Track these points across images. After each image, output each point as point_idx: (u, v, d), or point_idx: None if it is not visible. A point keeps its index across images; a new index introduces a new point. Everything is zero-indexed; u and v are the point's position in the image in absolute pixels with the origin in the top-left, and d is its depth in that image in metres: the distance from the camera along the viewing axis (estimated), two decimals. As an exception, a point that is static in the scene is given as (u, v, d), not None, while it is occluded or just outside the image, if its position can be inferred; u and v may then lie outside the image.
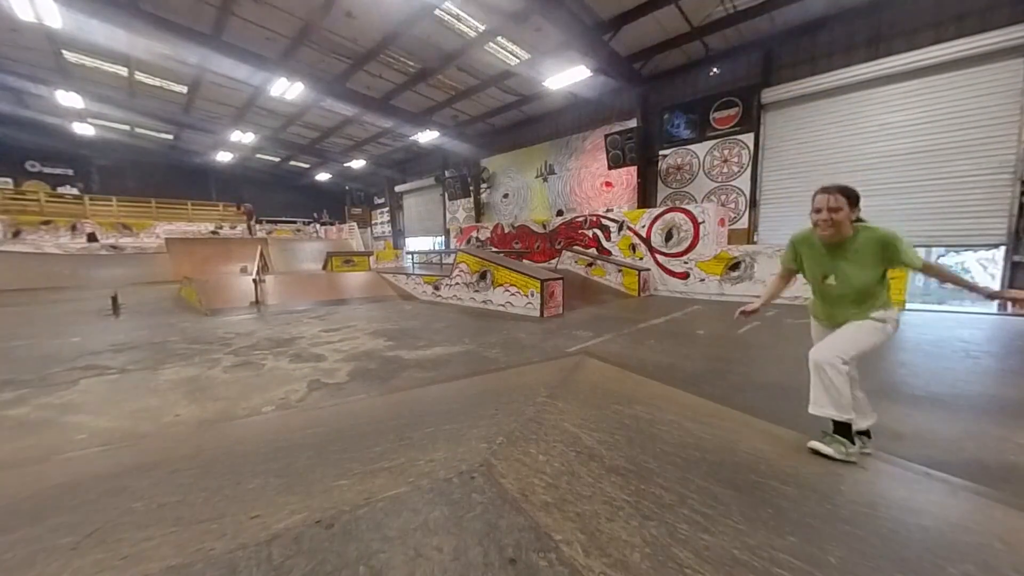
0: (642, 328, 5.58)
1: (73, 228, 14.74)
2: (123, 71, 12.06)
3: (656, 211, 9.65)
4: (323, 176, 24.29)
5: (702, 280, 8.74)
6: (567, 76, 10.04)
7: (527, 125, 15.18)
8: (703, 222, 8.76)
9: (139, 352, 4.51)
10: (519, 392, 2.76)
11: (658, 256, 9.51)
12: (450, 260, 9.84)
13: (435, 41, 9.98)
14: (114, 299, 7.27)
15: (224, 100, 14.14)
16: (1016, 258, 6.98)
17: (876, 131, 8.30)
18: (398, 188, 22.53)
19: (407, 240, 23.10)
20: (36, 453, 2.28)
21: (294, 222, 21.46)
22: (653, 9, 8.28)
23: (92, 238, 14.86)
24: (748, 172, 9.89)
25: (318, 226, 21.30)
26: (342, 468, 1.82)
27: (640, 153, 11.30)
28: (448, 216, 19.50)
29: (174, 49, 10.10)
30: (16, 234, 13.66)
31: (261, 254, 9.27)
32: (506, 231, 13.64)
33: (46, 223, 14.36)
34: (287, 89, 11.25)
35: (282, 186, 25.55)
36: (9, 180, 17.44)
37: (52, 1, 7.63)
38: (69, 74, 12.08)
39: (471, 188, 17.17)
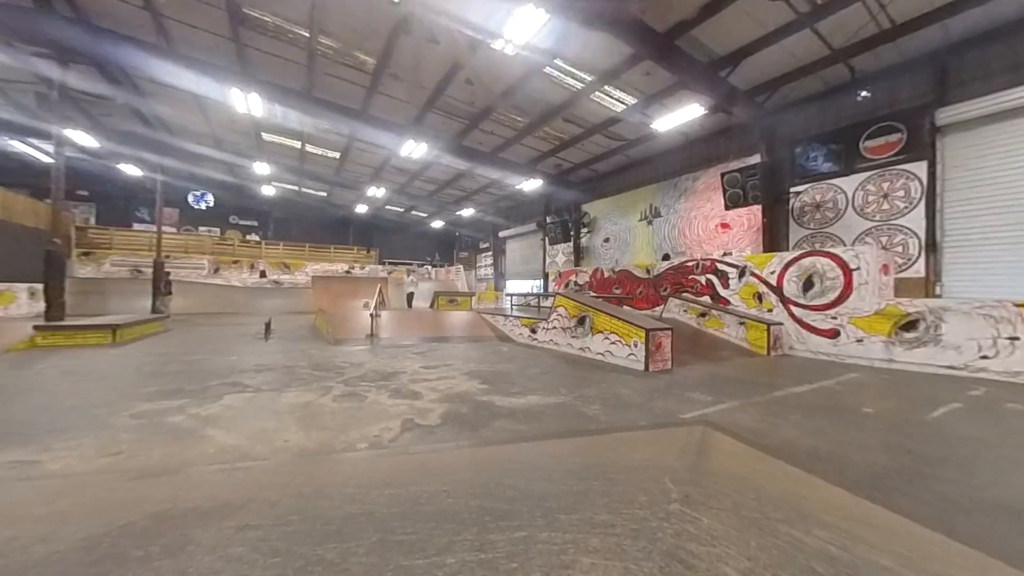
0: (779, 397, 4.52)
1: (252, 266, 18.54)
2: (297, 144, 15.26)
3: (789, 255, 8.25)
4: (437, 223, 26.96)
5: (859, 341, 6.99)
6: (678, 116, 9.60)
7: (631, 168, 14.86)
8: (857, 269, 7.14)
9: (273, 374, 5.11)
10: (636, 481, 2.23)
11: (793, 308, 7.98)
12: (548, 303, 9.66)
13: (543, 96, 10.54)
14: (267, 325, 8.65)
15: (365, 162, 16.85)
16: None
17: None
18: (501, 233, 23.75)
19: (507, 283, 23.88)
20: (174, 463, 2.54)
21: (410, 263, 23.98)
22: (783, 37, 7.54)
23: (263, 274, 18.46)
24: (921, 208, 7.96)
25: (429, 268, 23.38)
26: None
27: (766, 191, 10.02)
28: (548, 260, 19.70)
29: (333, 124, 12.44)
30: (216, 270, 17.66)
31: (380, 291, 10.30)
32: (606, 276, 13.09)
33: (235, 262, 18.34)
34: (413, 149, 12.89)
35: (404, 232, 29.06)
36: (217, 230, 22.98)
37: (258, 97, 10.07)
38: (263, 149, 15.72)
39: (571, 233, 17.19)
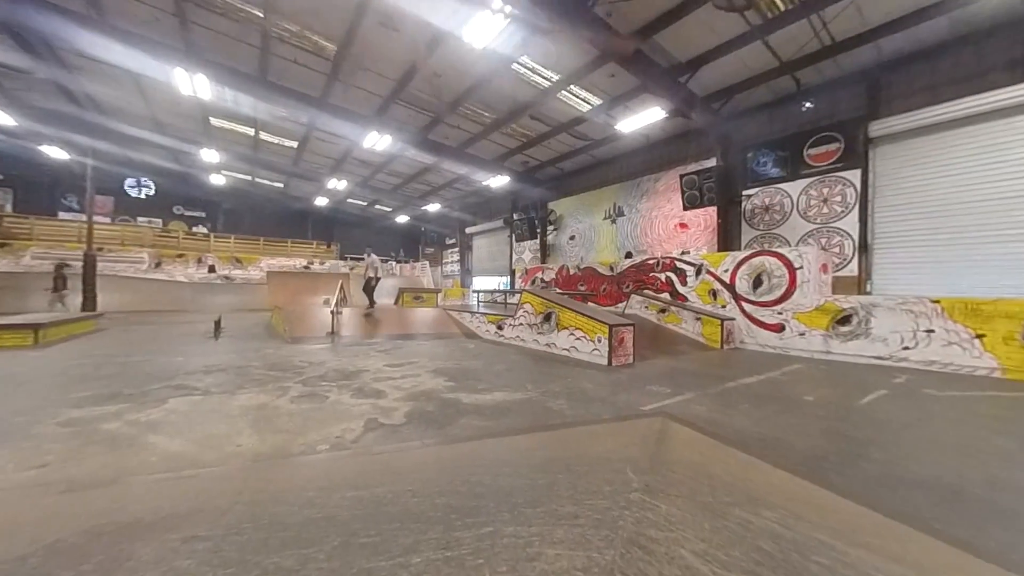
0: (731, 388, 4.80)
1: (199, 261, 17.31)
2: (250, 131, 14.37)
3: (741, 254, 8.76)
4: (402, 218, 26.34)
5: (802, 334, 7.55)
6: (640, 119, 9.90)
7: (596, 168, 15.19)
8: (800, 268, 7.70)
9: (224, 375, 4.81)
10: (600, 472, 2.29)
11: (744, 304, 8.49)
12: (514, 300, 9.71)
13: (510, 93, 10.53)
14: (217, 323, 8.12)
15: (326, 153, 16.15)
16: None
17: (1020, 164, 6.89)
18: (468, 230, 23.57)
19: (474, 279, 23.76)
20: (110, 473, 2.33)
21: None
22: (738, 47, 7.96)
23: (212, 269, 17.28)
24: (855, 213, 8.68)
25: (394, 263, 22.83)
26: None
27: (721, 193, 10.57)
28: (514, 257, 19.78)
29: (290, 111, 11.82)
30: (158, 264, 16.34)
31: (341, 288, 9.94)
32: (571, 273, 13.34)
33: (180, 256, 17.06)
34: (377, 141, 12.50)
35: (367, 227, 28.16)
36: (159, 221, 21.25)
37: (206, 78, 9.38)
38: (212, 135, 14.68)
39: (538, 230, 17.35)
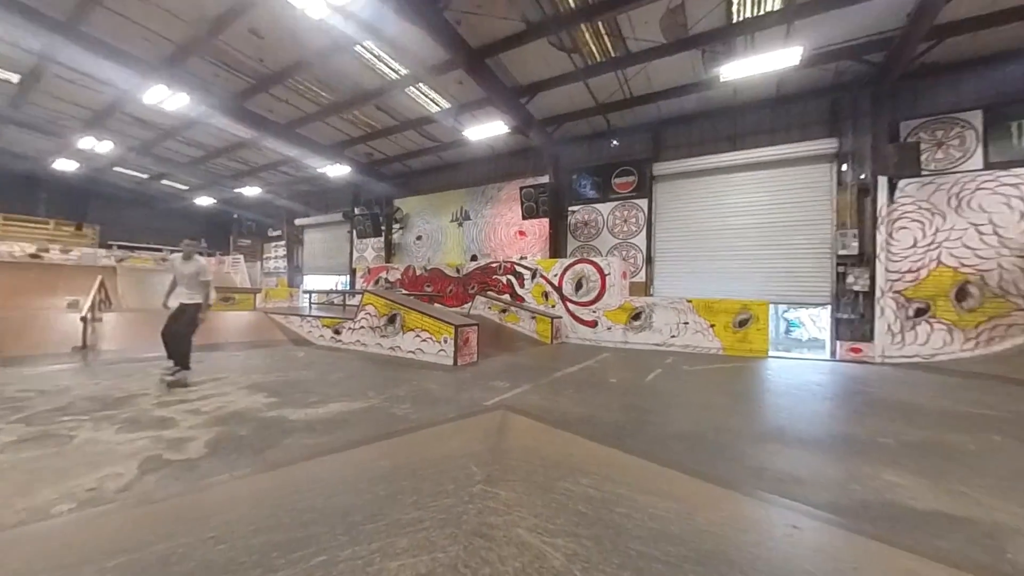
0: (558, 377, 5.52)
1: None
2: (-82, 43, 9.31)
3: (567, 261, 10.17)
4: (205, 200, 21.22)
5: (609, 328, 9.24)
6: (486, 129, 10.47)
7: (445, 170, 15.34)
8: (609, 274, 9.43)
9: None
10: (445, 471, 2.31)
11: (569, 304, 9.89)
12: (355, 301, 8.97)
13: (354, 77, 9.70)
14: None
15: (74, 99, 11.73)
16: (838, 315, 8.72)
17: (736, 207, 10.06)
18: (299, 221, 20.63)
19: (305, 278, 20.90)
20: None
21: (160, 250, 17.97)
22: (567, 83, 9.21)
23: None
24: (644, 232, 11.10)
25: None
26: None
27: (552, 207, 12.05)
28: (356, 255, 18.25)
29: (8, 29, 8.17)
30: None
31: (101, 286, 7.36)
32: (418, 273, 13.13)
33: None
34: (167, 99, 9.75)
35: (149, 208, 21.65)
36: None
37: None
38: None
39: (383, 228, 16.44)
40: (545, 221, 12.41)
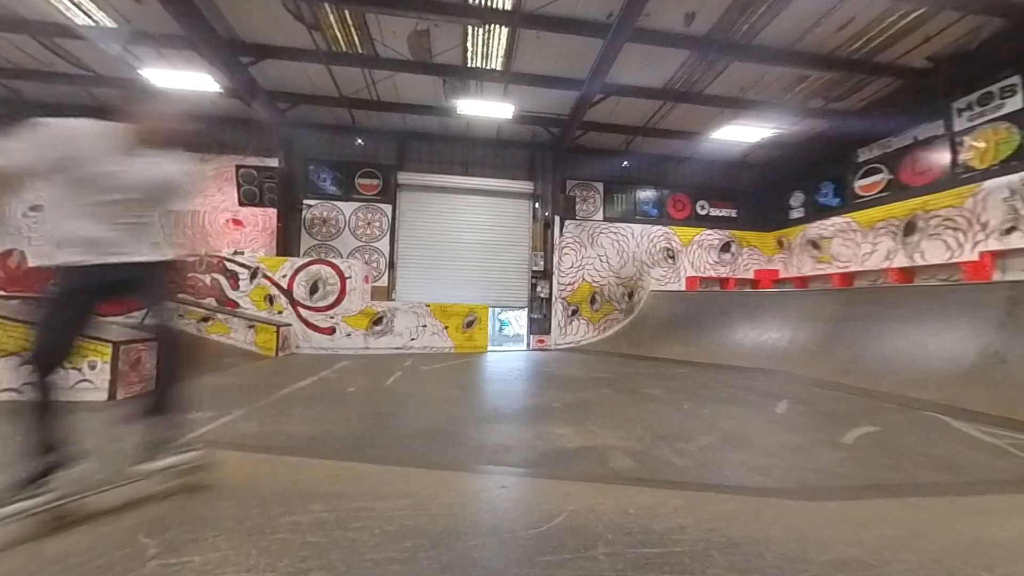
0: (285, 395, 4.77)
1: None
2: None
3: (300, 261, 8.99)
4: None
5: (349, 335, 8.76)
6: (182, 79, 7.90)
7: (103, 115, 10.49)
8: (350, 277, 8.95)
9: None
10: (92, 563, 1.52)
11: (301, 310, 8.74)
12: None
13: None
14: None
15: None
16: (532, 315, 11.54)
17: (468, 225, 11.69)
18: None
19: None
20: None
21: None
22: (302, 60, 8.15)
23: None
24: (388, 237, 11.19)
25: None
26: None
27: (283, 196, 10.37)
28: None
29: None
30: None
31: None
32: (32, 264, 8.42)
33: None
34: None
35: None
36: None
37: None
38: None
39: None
40: (272, 212, 10.52)
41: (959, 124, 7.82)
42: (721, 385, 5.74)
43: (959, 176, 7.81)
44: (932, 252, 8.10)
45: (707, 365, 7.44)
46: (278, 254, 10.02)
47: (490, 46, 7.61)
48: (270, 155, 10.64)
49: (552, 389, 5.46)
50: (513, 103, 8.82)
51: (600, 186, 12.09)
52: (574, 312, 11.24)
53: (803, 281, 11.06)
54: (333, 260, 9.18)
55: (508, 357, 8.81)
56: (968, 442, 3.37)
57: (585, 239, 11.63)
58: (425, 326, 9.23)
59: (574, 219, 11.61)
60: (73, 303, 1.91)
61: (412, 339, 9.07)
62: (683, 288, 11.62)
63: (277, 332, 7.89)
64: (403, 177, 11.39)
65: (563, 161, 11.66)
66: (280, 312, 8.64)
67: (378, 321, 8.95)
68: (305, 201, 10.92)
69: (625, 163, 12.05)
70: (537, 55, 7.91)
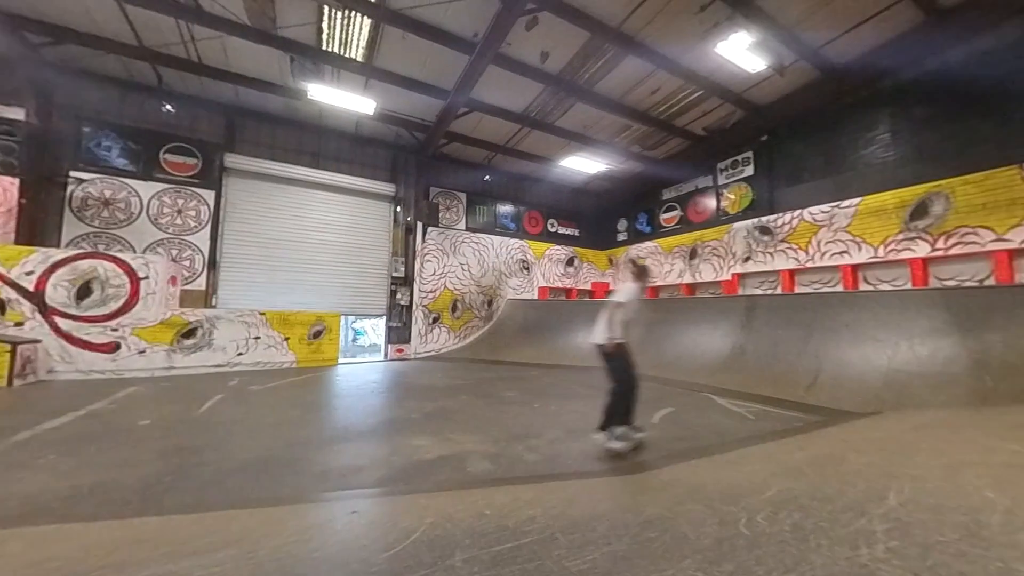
0: (23, 441, 3.41)
1: None
2: None
3: (62, 253, 6.61)
4: None
5: (142, 352, 6.78)
6: None
7: None
8: (147, 277, 6.98)
9: None
10: None
11: (60, 320, 6.40)
12: None
13: None
14: None
15: None
16: (390, 324, 10.96)
17: (317, 223, 10.44)
18: None
19: None
20: None
21: None
22: (77, -15, 6.10)
23: None
24: (208, 230, 9.14)
25: None
26: None
27: (33, 163, 7.48)
28: None
29: None
30: None
31: None
32: None
33: None
34: None
35: None
36: None
37: None
38: None
39: None
40: (12, 182, 7.47)
41: (721, 180, 10.76)
42: (565, 383, 6.46)
43: (721, 218, 10.71)
44: (706, 272, 10.85)
45: (555, 367, 8.27)
46: (19, 242, 7.12)
47: (350, 33, 7.06)
48: (12, 103, 7.58)
49: (411, 400, 5.26)
50: (375, 99, 8.34)
51: (463, 196, 12.37)
52: (435, 320, 11.12)
53: (626, 292, 13.37)
54: (119, 255, 7.01)
55: (363, 369, 8.14)
56: (725, 413, 4.56)
57: (448, 247, 11.69)
58: (258, 338, 7.81)
59: (437, 226, 11.57)
60: None
61: (239, 354, 7.55)
62: (536, 297, 12.71)
63: (13, 352, 5.57)
64: (232, 160, 9.53)
65: (427, 167, 11.54)
66: (19, 324, 6.14)
67: (190, 333, 7.18)
68: (73, 173, 8.10)
69: (488, 177, 12.63)
70: (403, 56, 7.68)
